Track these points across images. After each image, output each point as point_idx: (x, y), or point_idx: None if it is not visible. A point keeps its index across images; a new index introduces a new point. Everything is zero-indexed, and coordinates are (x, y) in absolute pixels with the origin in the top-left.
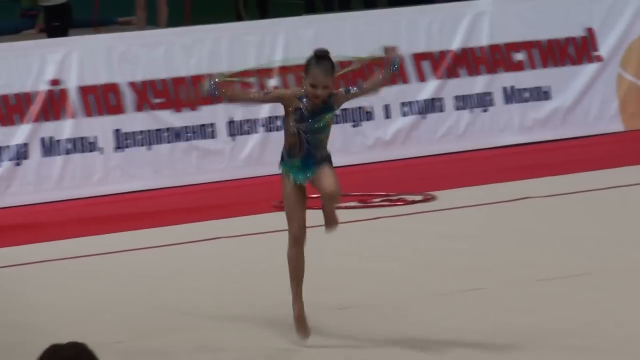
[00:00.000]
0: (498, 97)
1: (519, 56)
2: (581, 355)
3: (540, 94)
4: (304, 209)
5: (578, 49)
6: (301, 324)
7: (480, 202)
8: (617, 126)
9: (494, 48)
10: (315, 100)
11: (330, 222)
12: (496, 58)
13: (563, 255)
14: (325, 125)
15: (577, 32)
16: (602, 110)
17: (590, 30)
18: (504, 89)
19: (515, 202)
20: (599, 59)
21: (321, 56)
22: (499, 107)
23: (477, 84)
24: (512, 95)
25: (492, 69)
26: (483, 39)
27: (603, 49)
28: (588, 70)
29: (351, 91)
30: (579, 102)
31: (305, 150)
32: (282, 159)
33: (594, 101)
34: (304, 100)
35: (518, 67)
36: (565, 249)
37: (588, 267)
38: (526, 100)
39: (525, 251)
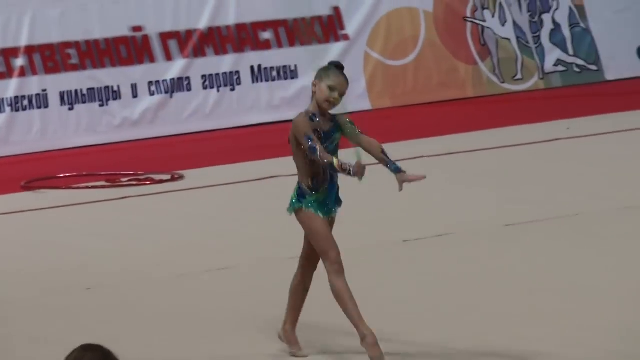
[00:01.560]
0: (245, 76)
1: (266, 35)
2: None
3: (288, 73)
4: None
5: (325, 28)
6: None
7: (228, 181)
8: (365, 104)
9: (240, 27)
10: (326, 106)
11: None
12: (243, 37)
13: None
14: (336, 146)
15: (324, 11)
16: (349, 89)
17: (336, 9)
18: (252, 67)
19: (262, 181)
20: (345, 37)
21: (340, 67)
22: (246, 86)
23: (225, 63)
24: (260, 74)
25: (239, 48)
26: (230, 18)
27: (350, 28)
28: (335, 49)
29: (353, 127)
30: None
31: (328, 178)
32: (301, 197)
33: None
34: (316, 119)
35: (265, 45)
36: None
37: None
38: (273, 79)
39: (273, 230)
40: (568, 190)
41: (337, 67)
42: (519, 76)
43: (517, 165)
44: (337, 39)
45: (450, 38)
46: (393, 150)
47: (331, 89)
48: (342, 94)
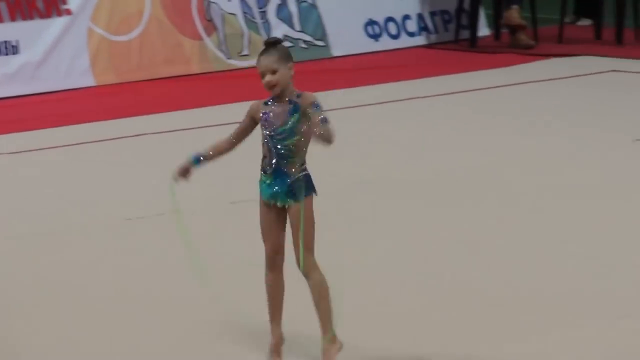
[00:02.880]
0: None
1: None
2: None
3: (9, 48)
4: (278, 230)
5: (47, 2)
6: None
7: None
8: (89, 81)
9: None
10: (269, 91)
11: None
12: None
13: (53, 212)
14: (292, 129)
15: None
16: (72, 65)
17: None
18: None
19: None
20: (68, 12)
21: (268, 43)
22: None
23: None
24: None
25: None
26: None
27: (72, 2)
28: (57, 23)
29: (316, 109)
30: (48, 57)
31: (274, 163)
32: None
33: (64, 55)
34: (272, 103)
35: None
36: (53, 206)
37: (54, 226)
38: None
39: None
40: None
41: (265, 44)
42: (245, 52)
43: (245, 143)
44: (59, 13)
45: (175, 13)
46: (115, 128)
47: (261, 76)
48: (271, 72)
